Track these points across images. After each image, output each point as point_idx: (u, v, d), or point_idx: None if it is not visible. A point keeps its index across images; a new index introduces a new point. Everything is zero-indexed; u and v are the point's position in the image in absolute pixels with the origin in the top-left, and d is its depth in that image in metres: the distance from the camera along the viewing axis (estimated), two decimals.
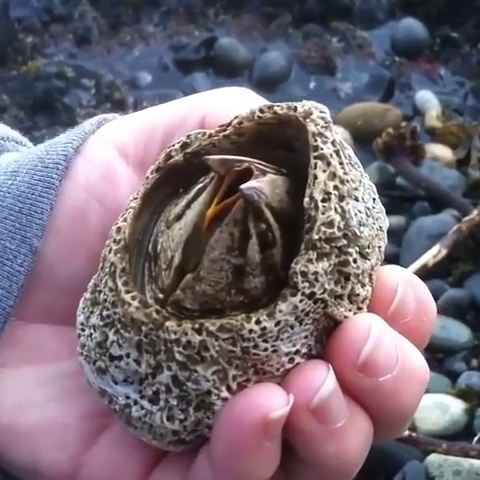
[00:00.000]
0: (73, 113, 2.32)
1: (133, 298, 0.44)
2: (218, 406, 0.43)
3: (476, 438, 1.52)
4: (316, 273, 0.42)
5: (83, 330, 0.46)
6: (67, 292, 0.49)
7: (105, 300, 0.45)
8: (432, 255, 1.82)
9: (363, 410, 0.43)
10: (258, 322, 0.42)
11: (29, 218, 0.48)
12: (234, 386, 0.42)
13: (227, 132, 0.47)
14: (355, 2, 2.70)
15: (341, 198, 0.43)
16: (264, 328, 0.42)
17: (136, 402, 0.44)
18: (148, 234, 0.47)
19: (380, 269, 0.45)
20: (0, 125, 0.57)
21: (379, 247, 0.45)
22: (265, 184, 0.43)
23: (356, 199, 0.44)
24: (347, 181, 0.44)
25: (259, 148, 0.47)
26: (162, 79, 2.50)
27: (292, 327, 0.42)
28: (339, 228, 0.43)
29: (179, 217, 0.45)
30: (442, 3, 2.62)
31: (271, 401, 0.41)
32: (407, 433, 1.48)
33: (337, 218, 0.43)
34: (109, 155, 0.50)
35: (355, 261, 0.43)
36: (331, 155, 0.44)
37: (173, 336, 0.42)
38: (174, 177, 0.48)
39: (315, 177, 0.43)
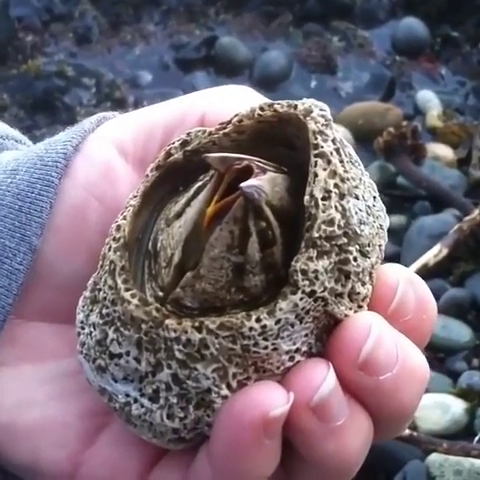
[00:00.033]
0: (73, 112, 2.32)
1: (133, 296, 0.44)
2: (218, 404, 0.43)
3: (477, 438, 1.52)
4: (316, 271, 0.42)
5: (83, 328, 0.46)
6: (67, 290, 0.49)
7: (105, 298, 0.45)
8: (433, 255, 1.81)
9: (363, 408, 0.43)
10: (258, 320, 0.42)
11: (28, 216, 0.48)
12: (234, 384, 0.42)
13: (227, 130, 0.47)
14: (356, 1, 2.70)
15: (341, 196, 0.43)
16: (264, 326, 0.42)
17: (136, 400, 0.44)
18: (148, 232, 0.47)
19: (380, 267, 0.45)
20: None
21: (379, 245, 0.45)
22: (265, 182, 0.43)
23: (356, 197, 0.44)
24: (347, 179, 0.44)
25: (259, 146, 0.47)
26: (163, 78, 2.50)
27: (292, 325, 0.42)
28: (339, 226, 0.43)
29: (179, 215, 0.45)
30: (443, 2, 2.62)
31: (271, 399, 0.41)
32: (408, 432, 1.48)
33: (337, 216, 0.43)
34: (109, 153, 0.50)
35: (355, 259, 0.43)
36: (331, 153, 0.44)
37: (173, 334, 0.42)
38: (174, 175, 0.48)
39: (315, 175, 0.43)
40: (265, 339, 0.42)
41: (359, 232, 0.44)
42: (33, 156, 0.50)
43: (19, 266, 0.48)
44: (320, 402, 0.42)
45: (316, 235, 0.42)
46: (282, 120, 0.46)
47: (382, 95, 2.44)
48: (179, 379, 0.43)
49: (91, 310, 0.46)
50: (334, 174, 0.44)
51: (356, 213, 0.44)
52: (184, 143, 0.48)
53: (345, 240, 0.43)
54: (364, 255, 0.44)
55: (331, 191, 0.43)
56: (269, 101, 0.47)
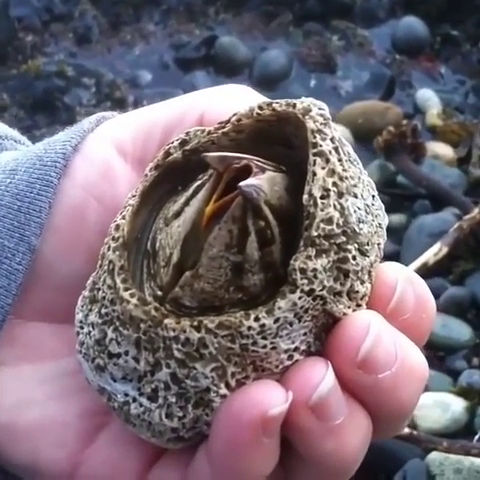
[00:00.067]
0: (73, 112, 2.32)
1: (132, 296, 0.44)
2: (217, 403, 0.43)
3: (477, 436, 1.52)
4: (315, 270, 0.42)
5: (82, 328, 0.46)
6: (66, 290, 0.49)
7: (104, 298, 0.45)
8: (433, 253, 1.82)
9: (362, 407, 0.43)
10: (257, 319, 0.42)
11: (27, 216, 0.48)
12: (233, 383, 0.42)
13: (226, 129, 0.47)
14: (356, 0, 2.70)
15: (340, 195, 0.43)
16: (263, 325, 0.42)
17: (135, 399, 0.44)
18: (147, 231, 0.47)
19: (379, 266, 0.45)
20: None
21: (378, 244, 0.45)
22: (264, 181, 0.43)
23: (355, 196, 0.44)
24: (346, 178, 0.44)
25: (258, 145, 0.47)
26: (162, 78, 2.50)
27: (291, 324, 0.42)
28: (338, 225, 0.43)
29: (178, 214, 0.45)
30: (442, 2, 2.62)
31: (270, 398, 0.41)
32: (408, 431, 1.48)
33: (336, 215, 0.43)
34: (108, 153, 0.50)
35: (354, 258, 0.43)
36: (330, 152, 0.44)
37: (172, 333, 0.42)
38: (173, 174, 0.48)
39: (314, 174, 0.43)
40: (264, 338, 0.42)
41: (358, 231, 0.44)
42: (32, 156, 0.50)
43: (18, 266, 0.48)
44: (319, 401, 0.41)
45: (315, 234, 0.42)
46: (281, 119, 0.46)
47: (382, 94, 2.44)
48: (178, 378, 0.43)
49: (90, 310, 0.46)
50: (333, 173, 0.44)
51: (355, 212, 0.44)
52: (183, 142, 0.48)
53: (344, 239, 0.43)
54: (363, 254, 0.44)
55: (330, 190, 0.43)
56: (268, 100, 0.47)
